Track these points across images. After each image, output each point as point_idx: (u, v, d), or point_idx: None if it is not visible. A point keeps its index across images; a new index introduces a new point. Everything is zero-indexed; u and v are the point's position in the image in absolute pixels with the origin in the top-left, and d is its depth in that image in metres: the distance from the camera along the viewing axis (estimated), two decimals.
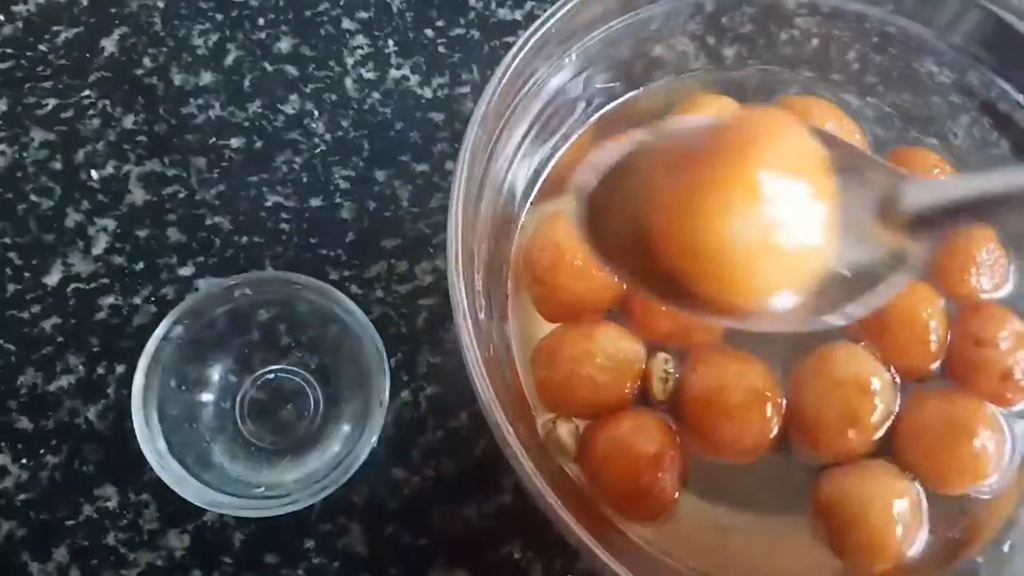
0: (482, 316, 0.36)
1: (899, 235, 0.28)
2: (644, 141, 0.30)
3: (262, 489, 0.39)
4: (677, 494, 0.37)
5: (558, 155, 0.42)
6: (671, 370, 0.38)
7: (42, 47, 0.50)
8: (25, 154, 0.47)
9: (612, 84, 0.43)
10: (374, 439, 0.38)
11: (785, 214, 0.26)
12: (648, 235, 0.28)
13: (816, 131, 0.28)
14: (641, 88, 0.45)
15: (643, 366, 0.38)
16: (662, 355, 0.38)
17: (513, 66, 0.35)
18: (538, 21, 0.36)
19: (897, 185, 0.27)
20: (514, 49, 0.36)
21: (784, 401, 0.38)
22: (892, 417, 0.38)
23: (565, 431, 0.37)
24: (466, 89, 0.50)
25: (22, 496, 0.41)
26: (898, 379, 0.39)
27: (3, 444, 0.42)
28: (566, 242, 0.38)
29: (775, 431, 0.38)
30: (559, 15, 0.36)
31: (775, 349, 0.40)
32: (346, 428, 0.40)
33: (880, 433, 0.38)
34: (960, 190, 0.26)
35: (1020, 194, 0.24)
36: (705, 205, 0.26)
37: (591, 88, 0.42)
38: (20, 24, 0.50)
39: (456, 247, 0.33)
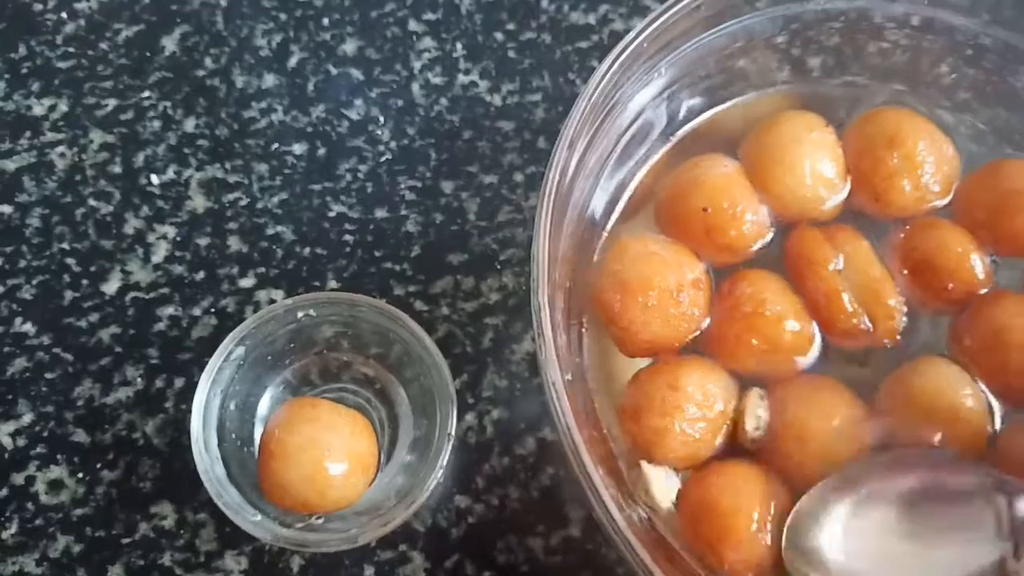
0: (562, 343, 0.34)
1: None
2: None
3: (320, 520, 0.37)
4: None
5: (636, 179, 0.40)
6: (764, 410, 0.36)
7: (103, 45, 0.48)
8: (84, 156, 0.46)
9: (695, 100, 0.41)
10: (439, 475, 0.36)
11: None
12: None
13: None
14: (723, 105, 0.42)
15: (734, 404, 0.36)
16: (756, 391, 0.36)
17: (606, 78, 0.33)
18: (632, 32, 0.34)
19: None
20: (607, 61, 0.34)
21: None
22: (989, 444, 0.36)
23: (655, 479, 0.36)
24: (536, 97, 0.48)
25: (78, 511, 0.40)
26: (996, 404, 0.36)
27: (60, 457, 0.41)
28: (636, 282, 0.36)
29: None
30: (654, 27, 0.34)
31: (864, 372, 0.37)
32: (409, 458, 0.39)
33: None
34: None
35: None
36: None
37: (675, 105, 0.40)
38: (82, 22, 0.49)
39: (542, 269, 0.32)
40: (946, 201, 0.40)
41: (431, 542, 0.40)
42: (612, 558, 0.40)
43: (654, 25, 0.34)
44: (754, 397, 0.36)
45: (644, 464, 0.36)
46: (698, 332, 0.37)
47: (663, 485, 0.36)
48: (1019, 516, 0.28)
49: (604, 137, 0.36)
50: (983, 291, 0.38)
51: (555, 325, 0.32)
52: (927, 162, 0.40)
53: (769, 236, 0.39)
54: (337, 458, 0.37)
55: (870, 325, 0.37)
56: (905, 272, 0.38)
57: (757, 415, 0.36)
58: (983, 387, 0.36)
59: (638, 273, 0.36)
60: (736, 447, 0.36)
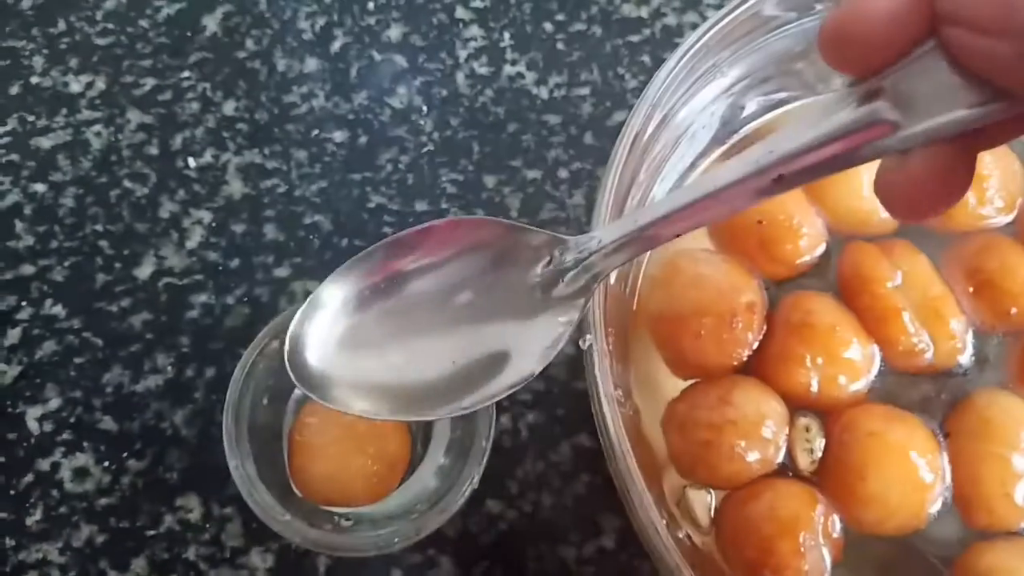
0: (612, 351, 0.33)
1: (564, 296, 0.27)
2: None
3: (351, 523, 0.36)
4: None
5: (691, 181, 0.39)
6: (815, 437, 0.34)
7: (143, 23, 0.47)
8: (121, 136, 0.45)
9: (754, 103, 0.39)
10: (476, 480, 0.35)
11: None
12: None
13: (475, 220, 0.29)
14: (779, 110, 0.41)
15: (787, 430, 0.34)
16: (803, 421, 0.34)
17: (672, 75, 0.32)
18: (700, 28, 0.33)
19: (553, 249, 0.27)
20: (674, 57, 0.32)
21: (946, 464, 0.34)
22: None
23: (698, 502, 0.34)
24: (585, 91, 0.47)
25: (103, 501, 0.39)
26: None
27: (86, 444, 0.40)
28: (688, 310, 0.34)
29: (938, 503, 0.34)
30: (723, 24, 0.33)
31: (930, 401, 0.36)
32: (443, 460, 0.38)
33: None
34: (611, 235, 0.26)
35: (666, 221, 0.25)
36: None
37: (734, 107, 0.38)
38: None
39: None
40: (1010, 219, 0.39)
41: (461, 547, 0.39)
42: (646, 570, 0.39)
43: (720, 24, 0.33)
44: (800, 429, 0.35)
45: (690, 491, 0.34)
46: (751, 353, 0.36)
47: (705, 501, 0.35)
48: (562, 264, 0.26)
49: (663, 137, 0.35)
50: None
51: (606, 334, 0.31)
52: (992, 176, 0.38)
53: (823, 248, 0.38)
54: (362, 455, 0.36)
55: (931, 345, 0.35)
56: (971, 290, 0.36)
57: (807, 448, 0.34)
58: None
59: (690, 300, 0.35)
60: (787, 471, 0.35)
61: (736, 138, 0.40)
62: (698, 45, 0.33)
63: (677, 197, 0.24)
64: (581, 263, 0.26)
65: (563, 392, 0.42)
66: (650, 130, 0.34)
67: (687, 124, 0.37)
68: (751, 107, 0.39)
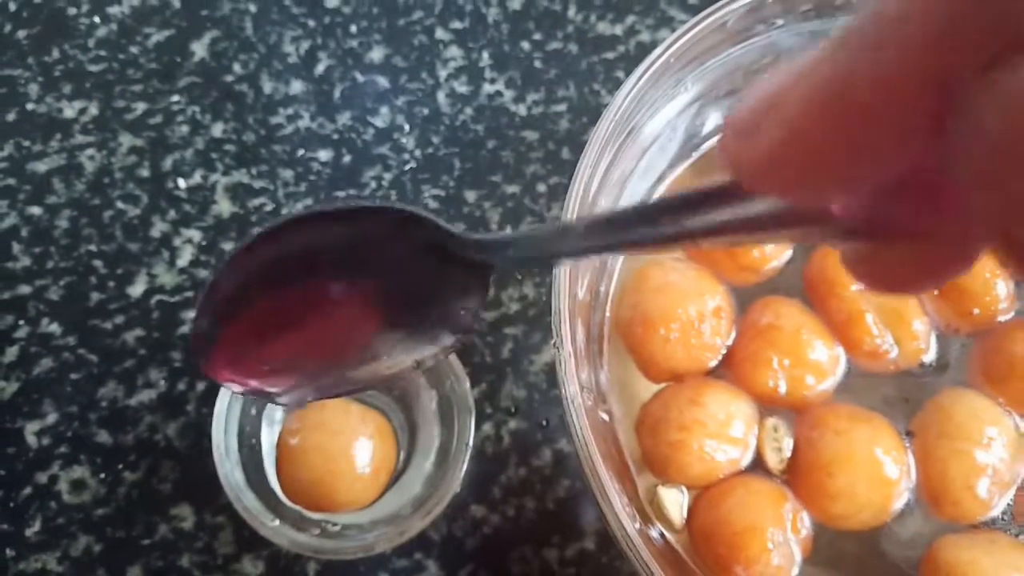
0: (583, 357, 0.34)
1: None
2: None
3: (338, 527, 0.37)
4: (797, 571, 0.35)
5: (658, 193, 0.40)
6: (783, 437, 0.35)
7: (133, 49, 0.49)
8: (113, 159, 0.47)
9: (720, 116, 0.41)
10: (457, 485, 0.36)
11: None
12: None
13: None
14: None
15: (756, 430, 0.36)
16: (771, 422, 0.36)
17: (632, 93, 0.33)
18: (660, 47, 0.34)
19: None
20: (634, 76, 0.33)
21: (911, 461, 0.36)
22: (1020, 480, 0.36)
23: (672, 502, 0.35)
24: (562, 107, 0.48)
25: (99, 511, 0.41)
26: None
27: (82, 457, 0.42)
28: (656, 315, 0.36)
29: (903, 498, 0.35)
30: (682, 41, 0.34)
31: (895, 401, 0.37)
32: (429, 468, 0.39)
33: (1006, 497, 0.36)
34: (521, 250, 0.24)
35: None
36: None
37: (700, 120, 0.40)
38: (115, 26, 0.49)
39: (563, 284, 0.31)
40: None
41: (446, 551, 0.41)
42: (627, 572, 0.41)
43: (682, 40, 0.34)
44: (768, 429, 0.36)
45: (662, 489, 0.36)
46: (721, 357, 0.37)
47: (677, 502, 0.36)
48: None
49: (628, 152, 0.36)
50: (1007, 317, 0.38)
51: (576, 339, 0.32)
52: None
53: (789, 254, 0.39)
54: (348, 462, 0.37)
55: (895, 347, 0.36)
56: (935, 292, 0.38)
57: (776, 447, 0.35)
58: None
59: (658, 305, 0.36)
60: (757, 470, 0.36)
61: (704, 149, 0.41)
62: (663, 59, 0.35)
63: (583, 227, 0.21)
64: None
65: (544, 400, 0.43)
66: (616, 144, 0.35)
67: (654, 137, 0.38)
68: (716, 120, 0.40)
